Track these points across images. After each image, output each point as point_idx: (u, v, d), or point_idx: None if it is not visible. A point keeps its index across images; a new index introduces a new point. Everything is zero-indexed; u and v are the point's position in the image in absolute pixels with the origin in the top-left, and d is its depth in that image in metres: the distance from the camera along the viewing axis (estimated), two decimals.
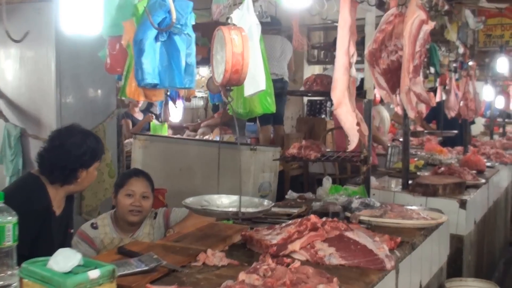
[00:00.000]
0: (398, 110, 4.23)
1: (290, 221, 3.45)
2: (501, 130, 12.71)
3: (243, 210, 3.00)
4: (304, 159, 4.78)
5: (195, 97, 11.74)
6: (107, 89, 5.89)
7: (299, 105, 11.07)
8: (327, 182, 4.89)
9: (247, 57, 2.89)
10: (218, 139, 8.20)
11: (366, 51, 4.03)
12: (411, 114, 3.91)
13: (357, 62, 3.77)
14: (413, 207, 4.61)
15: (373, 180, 5.84)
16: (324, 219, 3.47)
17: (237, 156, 6.70)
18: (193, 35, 2.87)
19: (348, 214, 4.10)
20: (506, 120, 13.52)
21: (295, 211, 4.34)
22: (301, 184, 8.91)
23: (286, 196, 5.04)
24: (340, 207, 4.15)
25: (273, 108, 3.75)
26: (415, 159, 7.35)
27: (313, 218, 3.35)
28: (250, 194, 6.59)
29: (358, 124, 3.56)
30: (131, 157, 7.49)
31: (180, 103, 10.35)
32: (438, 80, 7.65)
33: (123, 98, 3.27)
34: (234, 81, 2.92)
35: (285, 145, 7.93)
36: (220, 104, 10.58)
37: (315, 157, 4.75)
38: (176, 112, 10.41)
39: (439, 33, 7.06)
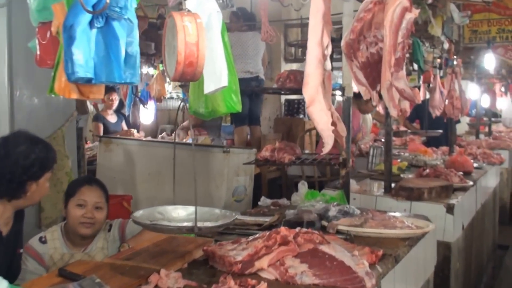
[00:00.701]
0: (380, 108, 3.84)
1: (258, 234, 3.05)
2: (486, 129, 12.44)
3: (199, 224, 2.59)
4: (278, 162, 4.38)
5: (172, 98, 11.30)
6: None
7: (276, 105, 10.68)
8: (302, 187, 4.50)
9: (203, 48, 2.49)
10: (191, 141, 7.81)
11: (342, 42, 3.61)
12: (394, 113, 3.50)
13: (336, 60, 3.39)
14: (397, 214, 4.28)
15: (354, 184, 5.48)
16: (297, 229, 3.11)
17: (210, 158, 6.34)
18: (136, 21, 2.44)
19: (324, 223, 3.73)
20: (492, 119, 13.29)
21: (267, 219, 3.93)
22: (279, 187, 8.55)
23: (259, 203, 4.65)
24: (316, 215, 3.78)
25: (238, 107, 3.34)
26: (398, 160, 6.99)
27: (283, 230, 2.96)
28: (224, 200, 6.23)
29: (333, 124, 3.16)
30: (96, 162, 7.07)
31: (152, 104, 9.87)
32: (421, 77, 7.28)
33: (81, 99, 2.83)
34: (188, 75, 2.52)
35: (261, 147, 7.53)
36: None
37: (290, 160, 4.36)
38: (147, 114, 9.94)
39: (423, 28, 6.71)
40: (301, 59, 10.02)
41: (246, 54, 8.18)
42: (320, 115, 3.00)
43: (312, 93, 3.00)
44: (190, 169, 6.37)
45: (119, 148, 6.84)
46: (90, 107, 10.60)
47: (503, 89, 13.81)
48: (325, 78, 3.20)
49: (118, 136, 8.07)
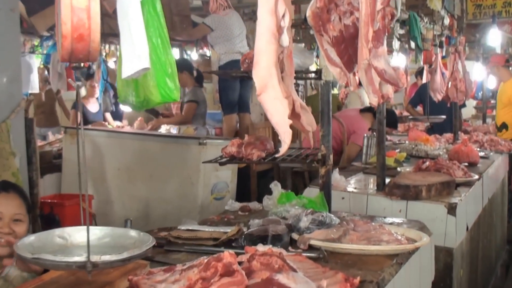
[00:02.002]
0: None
1: (195, 261, 2.36)
2: (494, 112, 11.71)
3: (95, 258, 1.89)
4: (245, 160, 3.69)
5: None
6: (9, 75, 4.65)
7: None
8: (275, 188, 3.81)
9: (97, 16, 1.81)
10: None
11: (308, 12, 2.89)
12: (373, 99, 2.80)
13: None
14: (388, 220, 3.67)
15: (342, 180, 4.79)
16: (258, 246, 2.54)
17: (184, 151, 5.68)
18: None
19: (296, 236, 3.04)
20: None
21: (229, 230, 3.24)
22: (272, 179, 7.85)
23: (226, 207, 3.96)
24: (285, 226, 3.10)
25: (176, 95, 2.68)
26: (397, 150, 6.30)
27: (227, 256, 2.27)
28: (201, 198, 5.58)
29: (296, 115, 2.47)
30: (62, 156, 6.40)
31: None
32: (421, 57, 6.56)
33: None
34: (80, 53, 1.85)
35: None
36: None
37: (259, 157, 3.66)
38: None
39: (421, 2, 6.00)
40: (295, 40, 9.28)
41: (231, 34, 7.58)
42: (275, 104, 2.31)
43: (264, 76, 2.30)
44: (164, 164, 5.74)
45: (86, 140, 6.14)
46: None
47: (510, 69, 13.09)
48: (284, 57, 2.50)
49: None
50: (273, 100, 2.31)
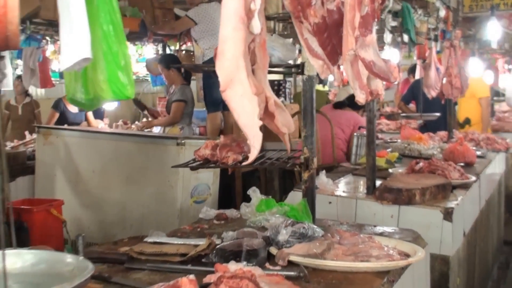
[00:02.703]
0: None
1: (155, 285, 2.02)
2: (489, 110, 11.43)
3: None
4: (219, 164, 3.33)
5: (134, 80, 10.19)
6: None
7: None
8: (254, 195, 3.46)
9: None
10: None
11: None
12: (361, 96, 2.44)
13: None
14: (378, 229, 3.35)
15: (330, 183, 4.45)
16: (230, 265, 2.25)
17: (162, 152, 5.35)
18: None
19: (274, 250, 2.69)
20: (495, 98, 12.27)
21: (202, 243, 2.89)
22: (259, 179, 7.51)
23: (200, 215, 3.61)
24: (261, 240, 2.75)
25: (129, 92, 2.34)
26: (388, 150, 5.95)
27: (184, 283, 1.92)
28: (179, 202, 5.27)
29: (269, 115, 2.12)
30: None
31: None
32: (414, 52, 6.23)
33: None
34: None
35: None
36: (164, 88, 9.17)
37: (235, 160, 3.30)
38: None
39: None
40: (283, 35, 8.91)
41: (216, 27, 7.14)
42: (242, 102, 1.95)
43: (229, 68, 1.95)
44: (140, 166, 5.42)
45: (59, 140, 5.79)
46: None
47: (506, 65, 12.83)
48: (256, 46, 2.15)
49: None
50: (240, 98, 1.95)
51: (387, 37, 5.24)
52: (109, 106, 8.73)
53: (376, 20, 2.37)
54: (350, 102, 6.51)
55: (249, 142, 1.98)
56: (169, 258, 2.74)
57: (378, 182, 4.38)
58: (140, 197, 5.34)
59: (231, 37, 1.95)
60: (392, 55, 6.89)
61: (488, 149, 6.87)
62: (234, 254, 2.60)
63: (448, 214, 3.97)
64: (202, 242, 2.87)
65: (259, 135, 1.96)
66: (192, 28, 7.41)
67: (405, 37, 5.64)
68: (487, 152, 6.62)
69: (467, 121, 8.71)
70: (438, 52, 7.00)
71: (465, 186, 4.67)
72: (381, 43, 5.50)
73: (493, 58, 12.19)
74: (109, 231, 5.38)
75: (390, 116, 9.56)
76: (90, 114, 8.89)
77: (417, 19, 5.71)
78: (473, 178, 4.91)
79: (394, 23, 5.33)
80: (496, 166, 6.72)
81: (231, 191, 6.88)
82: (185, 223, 4.34)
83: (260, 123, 1.96)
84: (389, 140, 7.39)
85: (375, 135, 4.46)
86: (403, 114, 8.82)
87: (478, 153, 6.19)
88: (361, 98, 2.44)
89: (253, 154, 2.03)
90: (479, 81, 8.89)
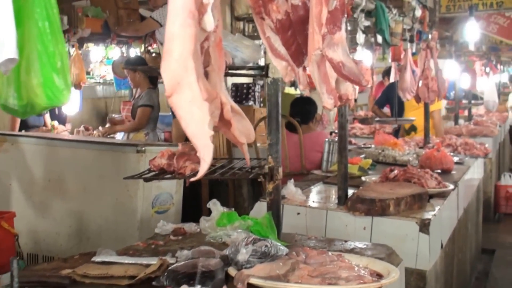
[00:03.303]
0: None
1: None
2: (466, 113, 11.27)
3: None
4: (176, 175, 3.04)
5: (99, 83, 9.84)
6: None
7: None
8: (214, 208, 3.17)
9: None
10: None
11: None
12: (328, 102, 2.16)
13: None
14: (349, 244, 3.10)
15: (298, 192, 4.17)
16: None
17: (121, 160, 5.06)
18: None
19: (233, 271, 2.42)
20: (473, 102, 12.14)
21: (154, 262, 2.61)
22: (227, 187, 7.19)
23: (156, 230, 3.31)
24: (219, 260, 2.48)
25: (65, 97, 2.05)
26: (362, 156, 5.70)
27: None
28: (140, 212, 4.97)
29: (225, 123, 1.84)
30: None
31: (74, 91, 8.37)
32: (389, 53, 6.00)
33: None
34: None
35: None
36: (129, 92, 8.85)
37: (193, 170, 3.01)
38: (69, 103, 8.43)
39: None
40: (253, 36, 8.65)
41: None
42: (190, 109, 1.66)
43: (176, 70, 1.66)
44: (99, 174, 5.11)
45: (14, 147, 5.44)
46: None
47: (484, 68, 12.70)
48: (210, 46, 1.87)
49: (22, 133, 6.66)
50: (189, 104, 1.66)
51: (360, 37, 4.99)
52: (71, 110, 8.35)
53: (345, 16, 2.10)
54: (302, 118, 6.07)
55: (198, 154, 1.70)
56: (116, 282, 2.46)
57: (350, 191, 4.13)
58: (98, 207, 5.03)
59: (178, 35, 1.66)
60: (366, 57, 6.65)
61: (466, 154, 6.67)
62: (187, 277, 2.33)
63: (424, 226, 3.72)
64: (154, 262, 2.60)
65: (210, 146, 1.68)
66: (157, 30, 7.12)
67: (379, 38, 5.40)
68: (465, 158, 6.40)
69: (413, 128, 8.52)
70: (413, 54, 6.79)
71: (443, 195, 4.44)
72: (353, 44, 5.24)
73: (470, 61, 12.02)
74: (65, 244, 5.06)
75: (364, 120, 9.35)
76: (47, 117, 8.46)
77: (392, 19, 5.47)
78: (451, 186, 4.67)
79: (367, 23, 5.08)
80: (475, 172, 6.52)
81: (199, 199, 6.58)
82: (146, 235, 4.07)
83: (211, 133, 1.68)
84: (362, 146, 7.15)
85: (348, 141, 4.20)
86: (377, 119, 8.60)
87: (456, 159, 5.97)
88: (328, 104, 2.15)
89: (203, 168, 1.74)
90: None
